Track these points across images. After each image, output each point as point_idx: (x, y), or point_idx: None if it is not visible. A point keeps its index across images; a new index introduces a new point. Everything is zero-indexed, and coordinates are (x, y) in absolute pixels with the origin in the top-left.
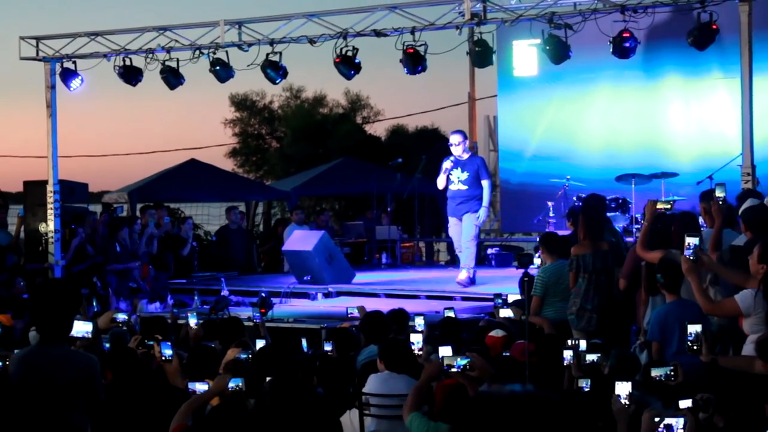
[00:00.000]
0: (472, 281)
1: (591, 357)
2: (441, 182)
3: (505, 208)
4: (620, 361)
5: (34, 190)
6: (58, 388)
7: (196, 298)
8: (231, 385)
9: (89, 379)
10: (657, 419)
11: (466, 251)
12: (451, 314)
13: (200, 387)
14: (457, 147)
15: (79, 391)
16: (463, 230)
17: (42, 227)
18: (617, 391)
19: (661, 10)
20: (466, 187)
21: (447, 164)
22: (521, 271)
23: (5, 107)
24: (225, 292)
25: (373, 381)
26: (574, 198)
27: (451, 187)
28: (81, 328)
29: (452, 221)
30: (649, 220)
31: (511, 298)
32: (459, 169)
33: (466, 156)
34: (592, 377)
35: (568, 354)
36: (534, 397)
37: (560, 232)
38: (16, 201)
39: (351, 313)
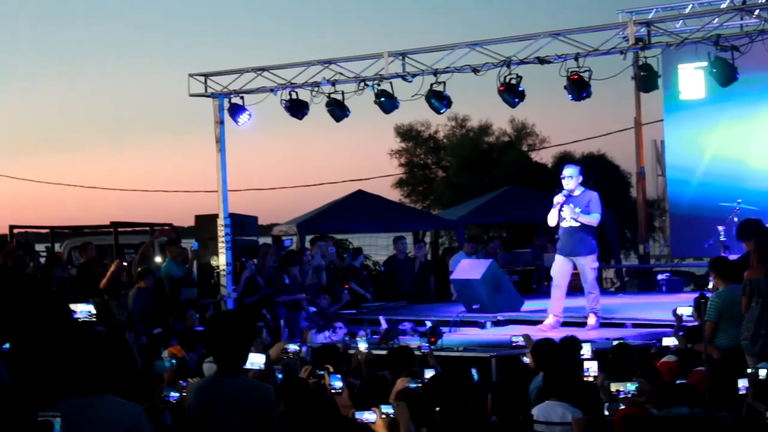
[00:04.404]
0: (599, 323)
1: None
2: (552, 218)
3: (674, 233)
4: None
5: (205, 224)
6: (238, 417)
7: (366, 328)
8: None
9: (267, 408)
10: None
11: (590, 295)
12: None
13: (368, 416)
14: (569, 180)
15: (257, 421)
16: (583, 276)
17: (213, 261)
18: None
19: None
20: (577, 224)
21: (558, 198)
22: (693, 296)
23: (175, 143)
24: (384, 326)
25: (536, 410)
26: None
27: (563, 224)
28: (254, 360)
29: (558, 258)
30: None
31: (680, 310)
32: (571, 204)
33: (578, 192)
34: None
35: (743, 382)
36: (703, 420)
37: (731, 257)
38: (188, 235)
39: (516, 342)
